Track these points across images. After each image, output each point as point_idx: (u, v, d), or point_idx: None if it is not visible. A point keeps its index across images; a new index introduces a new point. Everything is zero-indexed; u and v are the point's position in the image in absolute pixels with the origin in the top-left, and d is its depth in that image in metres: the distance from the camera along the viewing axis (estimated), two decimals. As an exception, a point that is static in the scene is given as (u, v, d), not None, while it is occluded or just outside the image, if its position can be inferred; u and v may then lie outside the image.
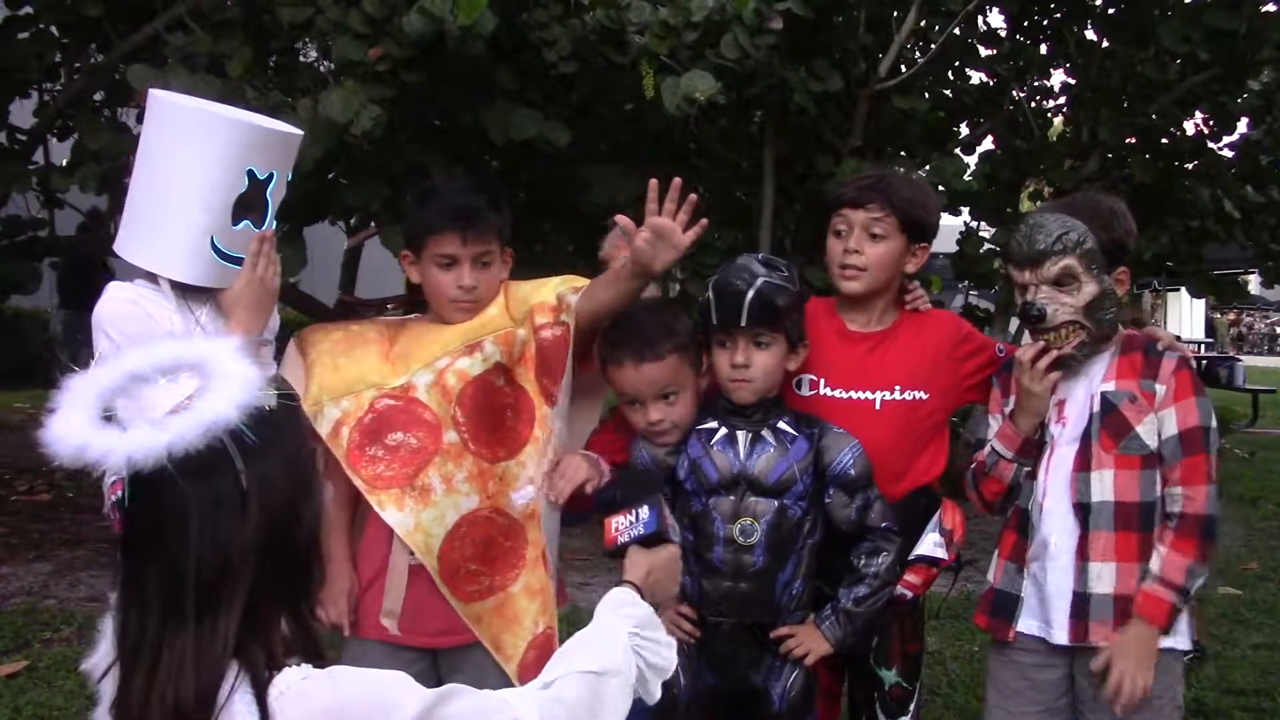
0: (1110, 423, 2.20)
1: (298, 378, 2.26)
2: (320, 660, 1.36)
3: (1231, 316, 26.87)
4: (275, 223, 2.26)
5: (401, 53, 4.07)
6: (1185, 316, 21.91)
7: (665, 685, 2.27)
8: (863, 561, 2.27)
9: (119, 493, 2.14)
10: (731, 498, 2.23)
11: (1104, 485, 2.20)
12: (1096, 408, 2.22)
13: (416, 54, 4.08)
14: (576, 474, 2.29)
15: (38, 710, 3.62)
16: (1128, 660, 2.14)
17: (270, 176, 2.17)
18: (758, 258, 2.30)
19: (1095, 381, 2.24)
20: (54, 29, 5.66)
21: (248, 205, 2.15)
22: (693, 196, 2.17)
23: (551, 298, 2.33)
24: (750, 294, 2.19)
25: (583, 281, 2.36)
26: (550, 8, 4.24)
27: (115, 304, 2.15)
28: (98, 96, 5.84)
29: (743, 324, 2.20)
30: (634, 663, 1.60)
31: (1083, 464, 2.22)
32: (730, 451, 2.25)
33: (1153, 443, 2.19)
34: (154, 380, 1.37)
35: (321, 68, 5.26)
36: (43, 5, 5.36)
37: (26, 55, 5.45)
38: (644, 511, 1.88)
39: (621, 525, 1.88)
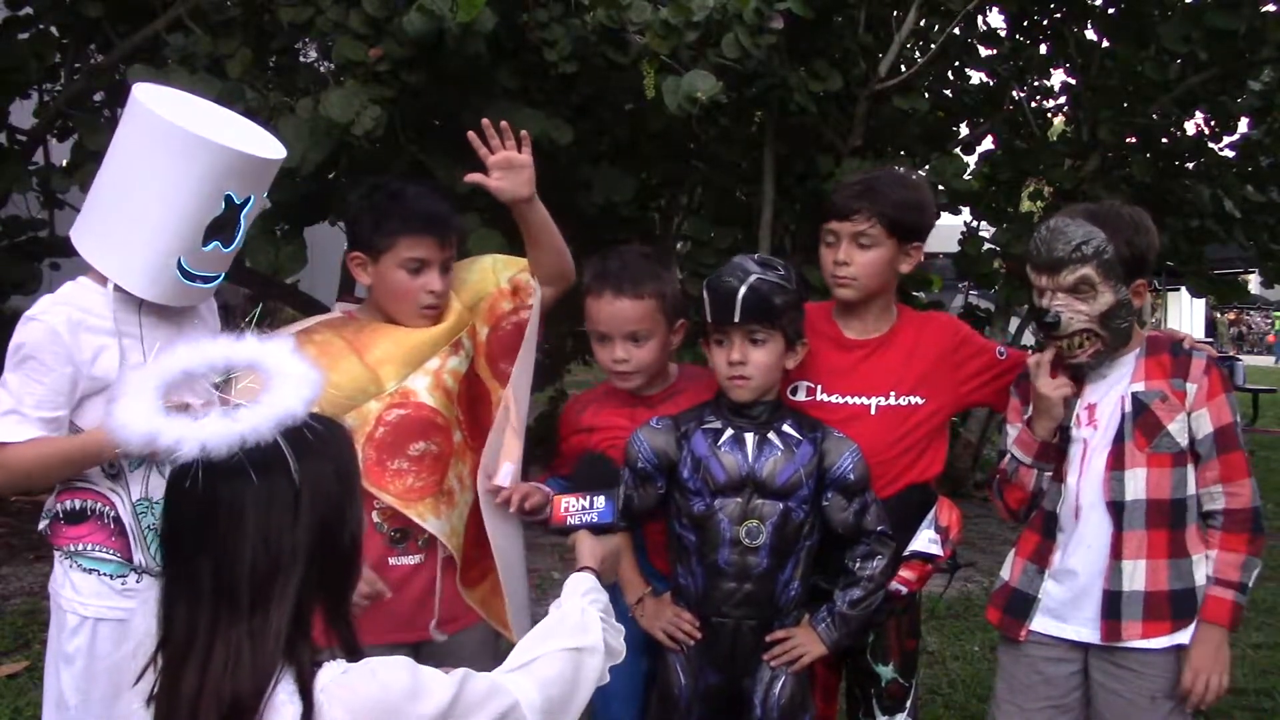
0: (1143, 422, 2.21)
1: None
2: (356, 655, 1.40)
3: (1232, 316, 26.88)
4: (244, 240, 2.21)
5: (402, 52, 4.07)
6: (1185, 316, 21.93)
7: (667, 684, 2.30)
8: (858, 564, 2.28)
9: (63, 503, 2.15)
10: (738, 499, 2.23)
11: (1137, 483, 2.21)
12: (1128, 408, 2.23)
13: (417, 54, 4.08)
14: (530, 497, 2.34)
15: (38, 711, 3.61)
16: (1204, 663, 2.18)
17: (248, 200, 2.12)
18: (753, 257, 2.32)
19: (1124, 383, 2.25)
20: (54, 29, 5.66)
21: (219, 226, 2.10)
22: (508, 127, 2.40)
23: (505, 284, 2.41)
24: (743, 290, 2.20)
25: (517, 260, 2.45)
26: (550, 7, 4.24)
27: (37, 331, 2.08)
28: (98, 97, 5.83)
29: (736, 320, 2.21)
30: (603, 642, 1.68)
31: (1116, 463, 2.22)
32: (738, 453, 2.25)
33: (1183, 440, 2.21)
34: (207, 377, 1.43)
35: (321, 68, 5.26)
36: (43, 6, 5.36)
37: (26, 56, 5.45)
38: (600, 501, 1.99)
39: (572, 507, 2.00)
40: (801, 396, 2.41)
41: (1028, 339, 7.25)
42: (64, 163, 5.55)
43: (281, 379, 1.40)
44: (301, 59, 5.63)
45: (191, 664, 1.32)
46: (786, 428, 2.28)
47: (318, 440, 1.40)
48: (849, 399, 2.39)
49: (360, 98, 4.08)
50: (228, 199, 2.08)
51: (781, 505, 2.23)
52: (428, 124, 5.12)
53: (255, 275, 5.56)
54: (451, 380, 2.30)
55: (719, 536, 2.23)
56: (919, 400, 2.39)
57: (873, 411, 2.38)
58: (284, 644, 1.33)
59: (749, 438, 2.26)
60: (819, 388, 2.41)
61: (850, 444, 2.29)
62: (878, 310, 2.44)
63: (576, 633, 1.64)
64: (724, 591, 2.25)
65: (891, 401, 2.39)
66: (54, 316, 2.09)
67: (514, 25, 4.30)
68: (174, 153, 2.04)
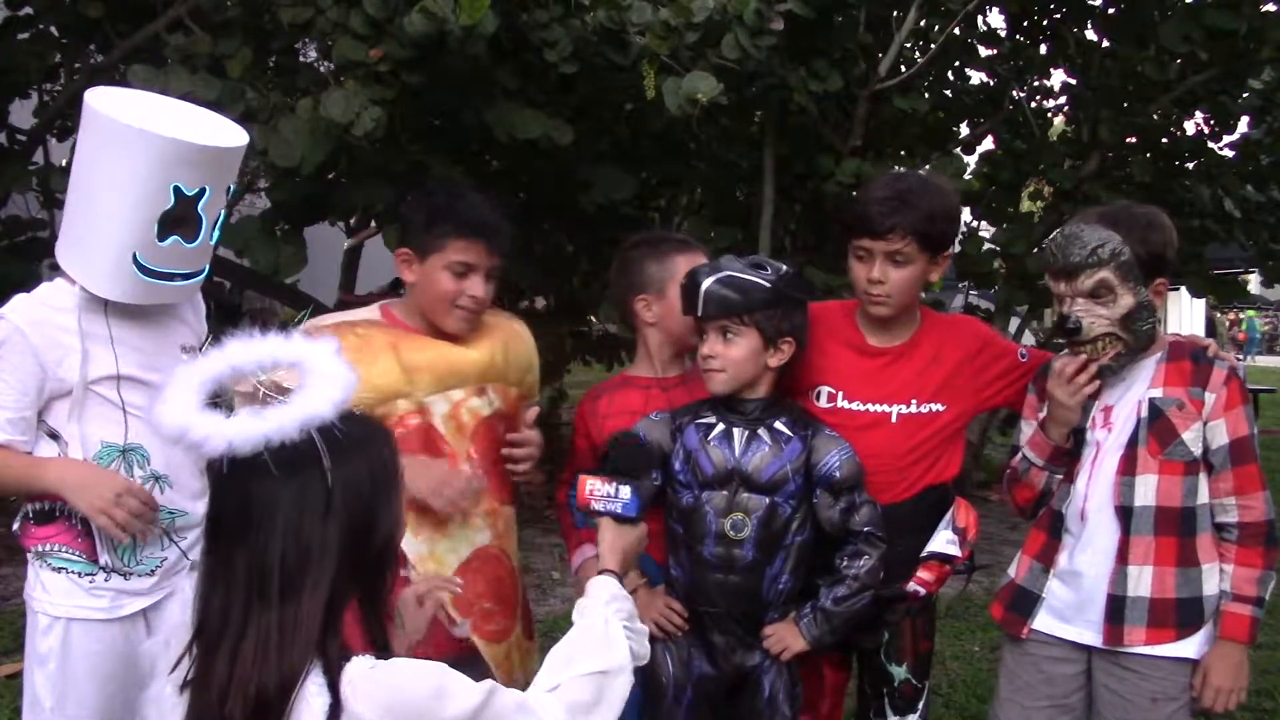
0: (1158, 429, 2.20)
1: None
2: (386, 654, 1.44)
3: (1231, 316, 26.88)
4: (216, 231, 2.16)
5: (402, 53, 4.07)
6: (1185, 316, 21.91)
7: (654, 673, 2.32)
8: (844, 563, 2.29)
9: (33, 504, 2.16)
10: (725, 492, 2.26)
11: (1147, 490, 2.19)
12: (1144, 413, 2.21)
13: (417, 54, 4.08)
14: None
15: (38, 711, 3.61)
16: (1224, 681, 2.20)
17: (202, 192, 2.06)
18: (749, 257, 2.33)
19: (1142, 388, 2.23)
20: (54, 29, 5.66)
21: (177, 221, 2.05)
22: None
23: (525, 391, 2.47)
24: (706, 284, 2.23)
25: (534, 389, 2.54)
26: (551, 8, 4.24)
27: (4, 329, 2.07)
28: (98, 97, 5.84)
29: (699, 314, 2.25)
30: (629, 656, 1.67)
31: (1127, 468, 2.21)
32: (726, 447, 2.27)
33: (1197, 450, 2.19)
34: (253, 373, 1.46)
35: (322, 68, 5.26)
36: (43, 6, 5.36)
37: (26, 56, 5.46)
38: (625, 490, 1.93)
39: (598, 491, 1.94)
40: (823, 402, 2.41)
41: (1028, 339, 7.25)
42: (64, 163, 5.55)
43: (316, 378, 1.43)
44: (301, 59, 5.64)
45: (223, 651, 1.36)
46: (779, 424, 2.29)
47: (354, 441, 1.43)
48: (870, 406, 2.39)
49: (360, 98, 4.08)
50: (176, 190, 2.03)
51: (767, 500, 2.24)
52: (428, 124, 5.12)
53: (255, 275, 5.56)
54: (469, 417, 2.29)
55: (705, 528, 2.26)
56: (940, 407, 2.39)
57: (893, 419, 2.38)
58: (315, 638, 1.35)
59: (737, 433, 2.28)
60: (840, 394, 2.40)
61: (839, 442, 2.29)
62: (903, 318, 2.43)
63: (603, 652, 1.63)
64: (710, 583, 2.27)
65: (912, 409, 2.38)
66: (21, 315, 2.08)
67: (514, 26, 4.30)
68: (114, 145, 2.02)
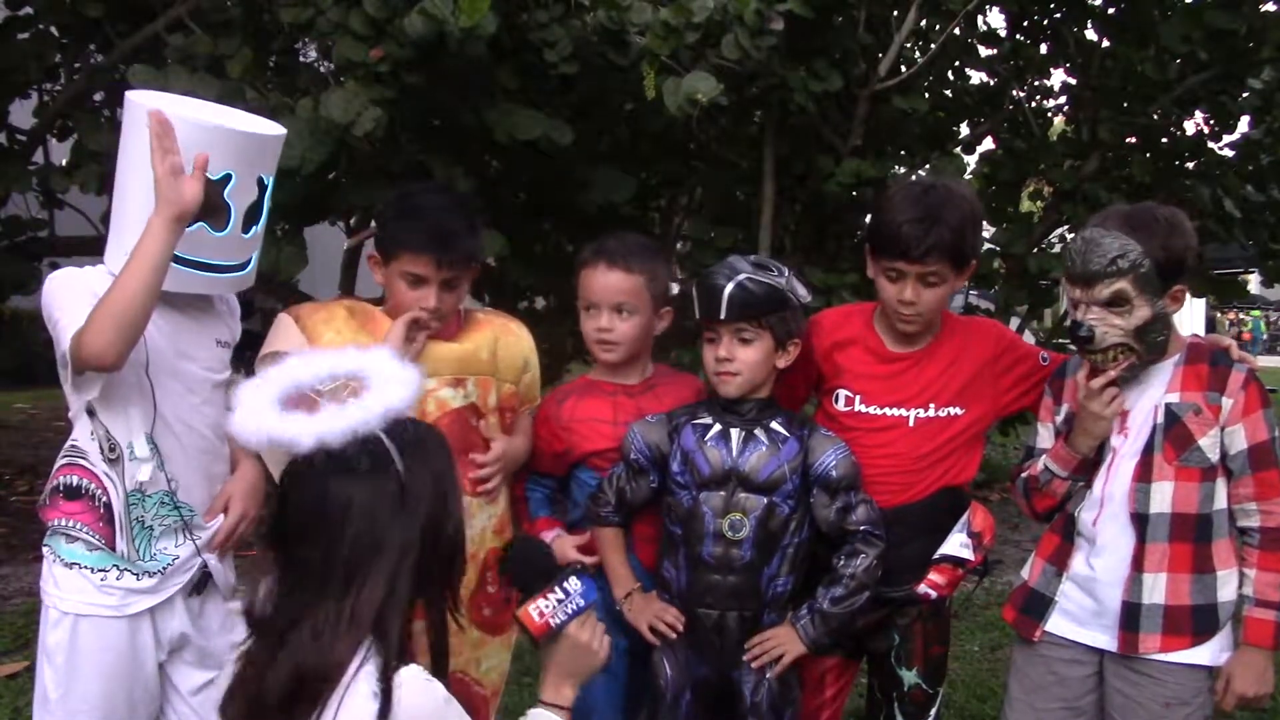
0: (1174, 434, 2.18)
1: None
2: (444, 658, 1.53)
3: (1231, 316, 26.86)
4: (255, 227, 2.16)
5: (402, 53, 4.07)
6: (1186, 316, 21.92)
7: (654, 677, 2.33)
8: (841, 563, 2.30)
9: (65, 477, 2.16)
10: (722, 493, 2.26)
11: (1163, 496, 2.17)
12: (1160, 419, 2.19)
13: (417, 55, 4.08)
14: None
15: (38, 711, 3.61)
16: (1247, 686, 2.16)
17: (227, 177, 2.06)
18: (750, 257, 2.34)
19: (1159, 392, 2.21)
20: (54, 29, 5.66)
21: (203, 208, 2.05)
22: None
23: (521, 390, 2.53)
24: (729, 288, 2.23)
25: (535, 395, 2.58)
26: (551, 8, 4.24)
27: (62, 280, 2.12)
28: (98, 96, 5.84)
29: (722, 317, 2.24)
30: None
31: (1143, 474, 2.19)
32: (723, 448, 2.28)
33: (1214, 456, 2.17)
34: (315, 386, 1.56)
35: (322, 68, 5.26)
36: (43, 6, 5.36)
37: (26, 56, 5.46)
38: (574, 582, 1.73)
39: (548, 608, 1.70)
40: (841, 406, 2.42)
41: (1027, 339, 7.23)
42: (64, 163, 5.55)
43: (383, 379, 1.53)
44: (301, 59, 5.64)
45: (273, 637, 1.43)
46: (775, 425, 2.30)
47: (420, 443, 1.52)
48: (887, 410, 2.39)
49: (361, 98, 4.08)
50: None
51: (765, 500, 2.25)
52: (428, 124, 5.12)
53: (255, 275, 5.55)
54: (434, 407, 2.32)
55: (703, 529, 2.27)
56: (958, 411, 2.39)
57: (910, 424, 2.38)
58: (364, 633, 1.41)
59: (734, 433, 2.29)
60: (858, 398, 2.41)
61: (836, 442, 2.30)
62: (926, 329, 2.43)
63: None
64: (708, 584, 2.28)
65: (930, 413, 2.38)
66: (69, 278, 2.13)
67: (514, 26, 4.30)
68: (135, 127, 2.06)
